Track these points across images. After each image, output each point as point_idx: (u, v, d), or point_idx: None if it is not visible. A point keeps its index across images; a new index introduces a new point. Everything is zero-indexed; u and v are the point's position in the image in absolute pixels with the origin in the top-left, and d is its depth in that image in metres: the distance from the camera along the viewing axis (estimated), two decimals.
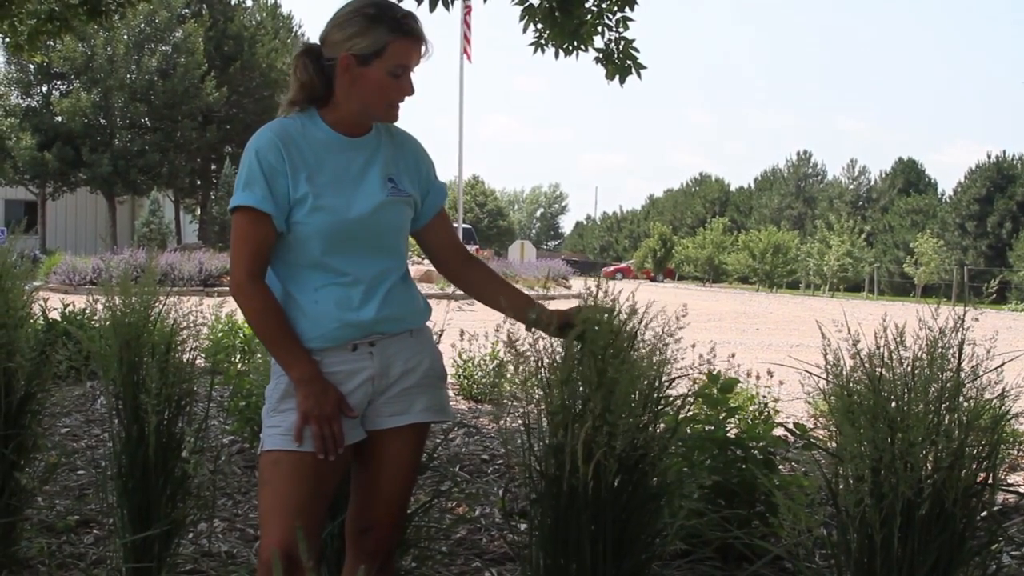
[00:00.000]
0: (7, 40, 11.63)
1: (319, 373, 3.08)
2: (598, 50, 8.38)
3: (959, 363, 3.05)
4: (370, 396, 3.18)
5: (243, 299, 3.09)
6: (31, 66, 47.44)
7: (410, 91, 3.13)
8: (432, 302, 3.47)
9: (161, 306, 4.06)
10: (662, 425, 3.49)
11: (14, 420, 4.34)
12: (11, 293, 4.31)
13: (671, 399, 3.51)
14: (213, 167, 55.08)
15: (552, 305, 3.47)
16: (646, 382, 3.34)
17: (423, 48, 3.11)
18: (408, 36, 3.06)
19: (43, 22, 11.00)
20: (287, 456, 3.05)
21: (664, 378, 3.41)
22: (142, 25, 47.88)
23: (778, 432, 5.16)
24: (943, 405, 3.02)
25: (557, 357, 3.35)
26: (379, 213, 3.13)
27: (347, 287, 3.11)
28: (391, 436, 3.22)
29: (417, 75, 3.18)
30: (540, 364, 3.37)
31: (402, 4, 3.20)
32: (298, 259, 3.12)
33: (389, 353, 3.19)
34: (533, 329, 3.32)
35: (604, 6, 8.23)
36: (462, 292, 3.57)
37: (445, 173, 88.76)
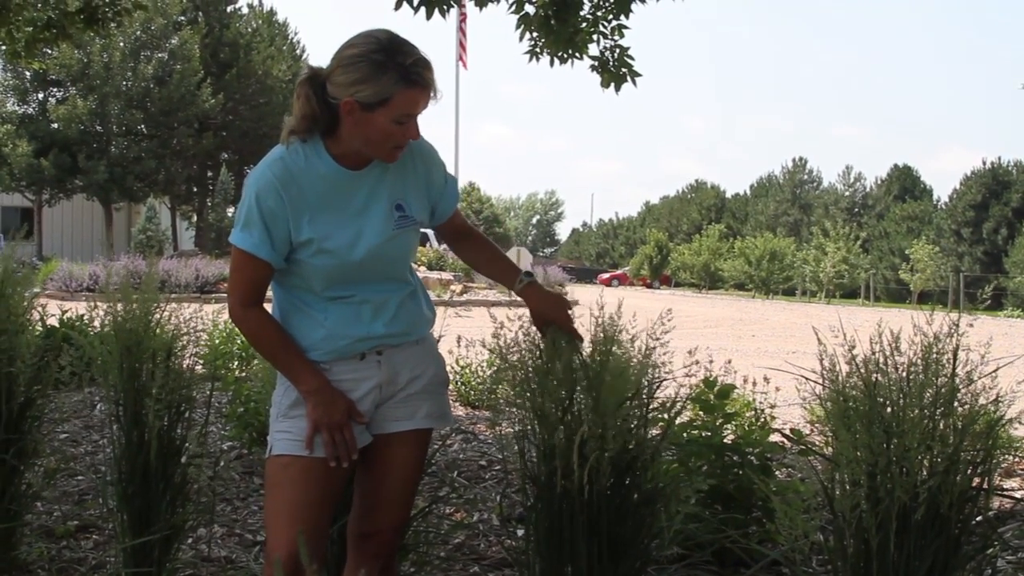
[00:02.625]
0: (4, 47, 11.65)
1: (327, 383, 3.09)
2: (593, 58, 8.38)
3: (954, 369, 3.07)
4: (377, 402, 3.20)
5: (240, 324, 3.14)
6: (27, 73, 47.46)
7: (415, 136, 3.03)
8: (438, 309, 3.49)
9: (161, 312, 4.07)
10: (655, 429, 3.52)
11: (15, 425, 4.35)
12: (12, 299, 4.33)
13: (662, 402, 3.53)
14: (209, 174, 55.06)
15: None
16: (634, 384, 3.36)
17: (431, 94, 2.98)
18: (416, 86, 2.92)
19: (40, 29, 11.04)
20: (297, 461, 3.07)
21: (653, 381, 3.44)
22: (138, 32, 47.90)
23: (775, 438, 5.18)
24: (938, 410, 3.04)
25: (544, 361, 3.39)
26: (385, 247, 3.12)
27: (356, 305, 3.12)
28: (395, 440, 3.24)
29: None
30: (529, 372, 3.41)
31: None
32: (303, 285, 3.13)
33: (396, 361, 3.20)
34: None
35: (599, 14, 8.25)
36: (460, 299, 3.61)
37: None
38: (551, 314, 3.37)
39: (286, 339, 3.11)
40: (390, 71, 2.89)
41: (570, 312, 3.39)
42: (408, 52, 2.92)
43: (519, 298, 3.44)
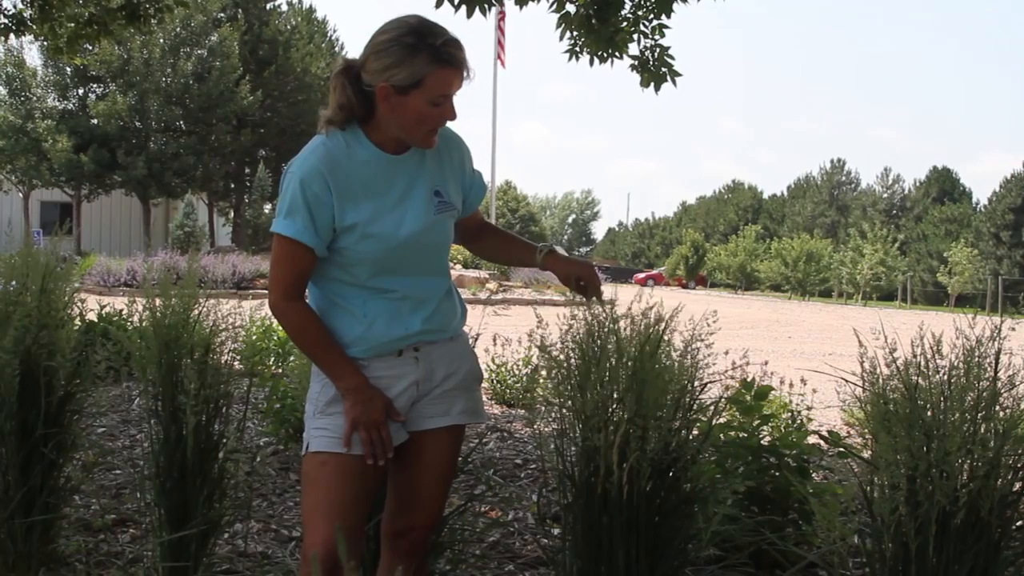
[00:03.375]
0: (47, 43, 11.73)
1: (365, 381, 3.10)
2: (633, 57, 8.38)
3: (995, 372, 3.05)
4: (414, 399, 3.20)
5: (281, 319, 3.13)
6: (68, 69, 47.75)
7: (452, 116, 3.05)
8: (467, 307, 3.49)
9: (200, 308, 4.09)
10: (695, 431, 3.51)
11: (54, 419, 4.38)
12: (53, 295, 4.36)
13: (703, 404, 3.52)
14: (247, 171, 55.23)
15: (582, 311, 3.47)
16: (677, 386, 3.35)
17: (464, 73, 3.00)
18: (448, 65, 2.95)
19: (82, 26, 11.11)
20: (334, 458, 3.07)
21: (696, 383, 3.43)
22: (178, 29, 48.09)
23: (812, 440, 5.16)
24: (979, 414, 3.02)
25: (589, 361, 3.38)
26: (427, 233, 3.13)
27: (396, 301, 3.13)
28: (431, 437, 3.25)
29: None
30: (572, 368, 3.40)
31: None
32: (344, 277, 3.13)
33: (433, 358, 3.21)
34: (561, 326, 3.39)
35: (640, 13, 8.24)
36: (497, 298, 3.62)
37: None
38: (580, 271, 3.42)
39: (327, 335, 3.11)
40: (422, 52, 2.91)
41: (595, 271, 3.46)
42: (438, 33, 2.95)
43: (558, 296, 3.45)
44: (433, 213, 3.14)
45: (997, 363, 3.06)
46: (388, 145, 3.11)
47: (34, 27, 11.10)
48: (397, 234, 3.07)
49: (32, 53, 66.72)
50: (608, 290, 3.57)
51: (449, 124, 3.19)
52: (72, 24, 11.14)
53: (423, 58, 2.91)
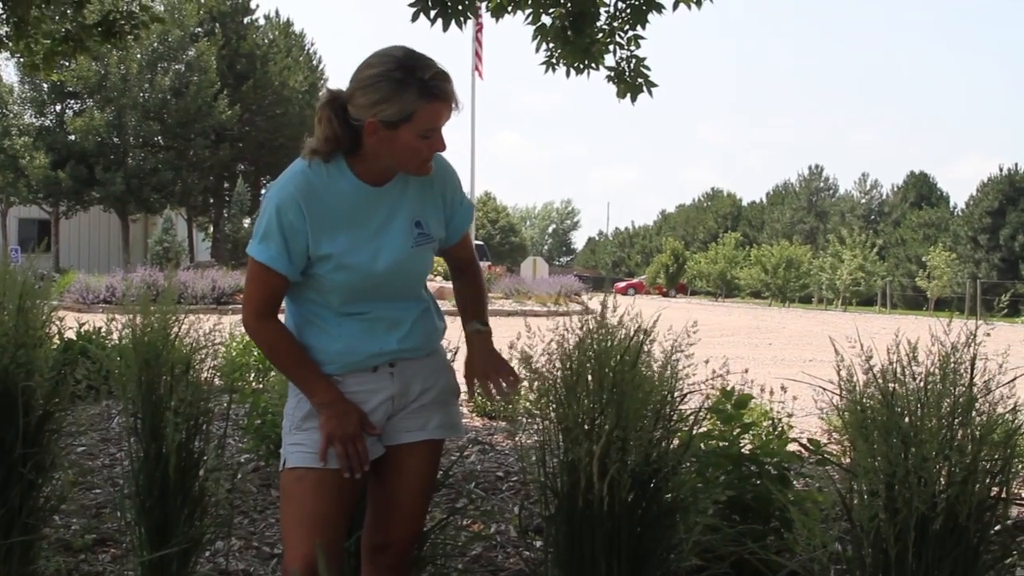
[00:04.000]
0: (23, 60, 11.72)
1: (340, 395, 3.11)
2: (609, 68, 8.41)
3: (972, 378, 3.07)
4: (390, 413, 3.21)
5: (254, 336, 3.15)
6: (45, 85, 47.64)
7: (442, 147, 3.04)
8: (447, 319, 3.49)
9: (180, 325, 4.08)
10: (676, 441, 3.52)
11: (33, 439, 4.36)
12: (30, 313, 4.34)
13: (684, 414, 3.53)
14: (226, 185, 55.20)
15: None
16: (658, 396, 3.36)
17: (453, 105, 2.98)
18: (437, 100, 2.93)
19: (58, 42, 11.10)
20: (311, 473, 3.09)
21: (676, 393, 3.44)
22: (155, 44, 47.98)
23: (792, 447, 5.17)
24: (956, 420, 3.03)
25: (570, 372, 3.39)
26: (404, 264, 3.13)
27: (370, 321, 3.14)
28: (408, 451, 3.26)
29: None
30: (556, 380, 3.41)
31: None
32: (318, 299, 3.15)
33: (409, 374, 3.22)
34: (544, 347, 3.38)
35: (615, 25, 8.27)
36: None
37: None
38: (479, 370, 3.36)
39: (300, 351, 3.12)
40: (411, 87, 2.89)
41: (511, 378, 3.38)
42: (427, 66, 2.93)
43: (539, 307, 3.46)
44: (411, 245, 3.14)
45: (973, 369, 3.08)
46: (370, 177, 3.10)
47: (10, 44, 11.09)
48: (373, 266, 3.08)
49: (8, 70, 66.45)
50: (588, 300, 3.58)
51: None
52: (48, 41, 11.14)
53: (412, 93, 2.90)
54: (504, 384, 3.36)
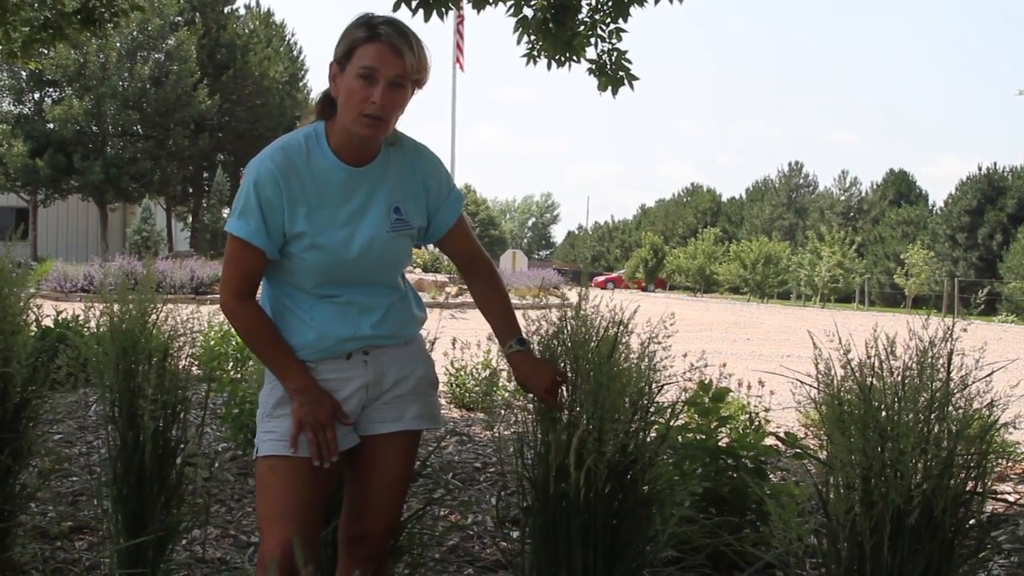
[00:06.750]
0: (1, 48, 11.65)
1: (314, 382, 3.11)
2: (591, 61, 8.40)
3: (948, 373, 3.08)
4: (364, 403, 3.21)
5: (231, 318, 3.14)
6: (23, 73, 47.33)
7: (378, 99, 2.95)
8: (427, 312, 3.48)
9: (157, 313, 4.07)
10: (653, 433, 3.53)
11: (10, 426, 4.34)
12: (7, 300, 4.32)
13: (661, 406, 3.54)
14: (205, 175, 54.91)
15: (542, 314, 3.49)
16: (635, 388, 3.37)
17: (403, 60, 2.95)
18: (375, 40, 2.94)
19: (37, 30, 11.04)
20: (283, 461, 3.08)
21: (653, 385, 3.45)
22: (135, 33, 47.73)
23: (769, 441, 5.19)
24: (933, 414, 3.05)
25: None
26: (378, 250, 3.12)
27: (343, 305, 3.14)
28: (384, 442, 3.25)
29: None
30: None
31: (396, 14, 3.20)
32: (292, 281, 3.14)
33: (383, 362, 3.21)
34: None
35: (597, 17, 8.27)
36: (455, 301, 3.61)
37: None
38: (532, 384, 3.35)
39: (276, 335, 3.12)
40: (360, 28, 2.98)
41: (558, 380, 3.37)
42: (385, 18, 3.02)
43: (519, 300, 3.45)
44: (387, 230, 3.13)
45: (950, 364, 3.09)
46: (348, 154, 3.10)
47: None
48: (346, 249, 3.08)
49: None
50: (568, 292, 3.59)
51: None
52: (27, 28, 11.07)
53: (358, 32, 2.98)
54: (562, 388, 3.39)
